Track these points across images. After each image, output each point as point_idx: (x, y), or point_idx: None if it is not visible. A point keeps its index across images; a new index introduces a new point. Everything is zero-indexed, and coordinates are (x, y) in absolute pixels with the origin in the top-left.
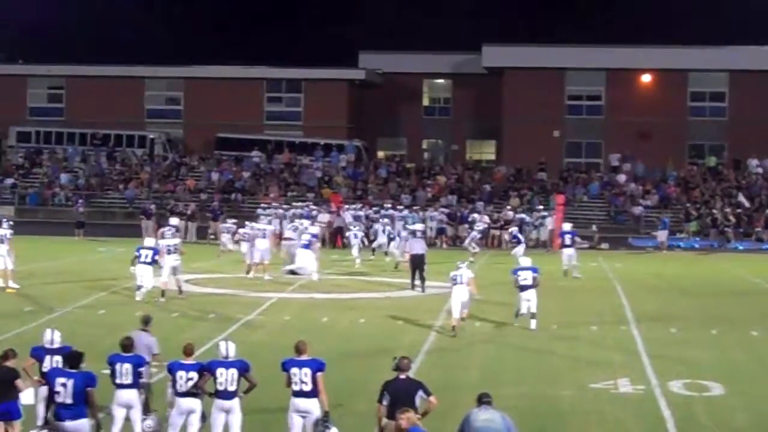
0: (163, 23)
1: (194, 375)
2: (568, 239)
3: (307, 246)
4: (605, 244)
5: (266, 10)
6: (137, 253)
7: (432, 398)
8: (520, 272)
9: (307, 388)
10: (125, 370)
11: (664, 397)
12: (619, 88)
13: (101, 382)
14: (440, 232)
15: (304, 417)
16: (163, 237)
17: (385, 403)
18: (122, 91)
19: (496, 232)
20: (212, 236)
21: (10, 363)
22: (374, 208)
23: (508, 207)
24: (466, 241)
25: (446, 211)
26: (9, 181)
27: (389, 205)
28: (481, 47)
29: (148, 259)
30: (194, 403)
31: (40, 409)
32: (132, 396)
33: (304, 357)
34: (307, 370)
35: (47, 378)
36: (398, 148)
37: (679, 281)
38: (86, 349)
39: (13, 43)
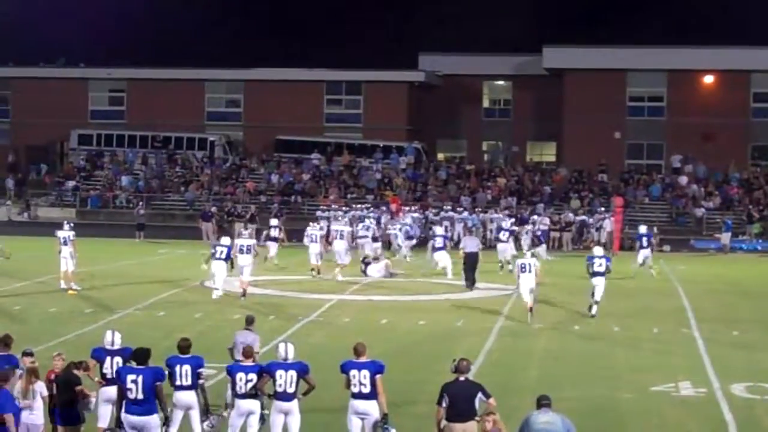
0: (222, 26)
1: (254, 376)
2: (645, 241)
3: (442, 248)
4: (667, 247)
5: (325, 12)
6: (213, 251)
7: (491, 400)
8: (595, 259)
9: (366, 390)
10: (185, 372)
11: (726, 400)
12: (681, 89)
13: None
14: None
15: (363, 419)
16: (240, 236)
17: (444, 405)
18: (182, 94)
19: (557, 234)
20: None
21: (79, 372)
22: (434, 210)
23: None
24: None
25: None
26: (71, 183)
27: (449, 207)
28: (542, 48)
29: (223, 256)
30: (254, 405)
31: (102, 410)
32: (191, 398)
33: (363, 359)
34: (366, 372)
35: (117, 377)
36: (458, 149)
37: (741, 283)
38: None
39: (75, 47)
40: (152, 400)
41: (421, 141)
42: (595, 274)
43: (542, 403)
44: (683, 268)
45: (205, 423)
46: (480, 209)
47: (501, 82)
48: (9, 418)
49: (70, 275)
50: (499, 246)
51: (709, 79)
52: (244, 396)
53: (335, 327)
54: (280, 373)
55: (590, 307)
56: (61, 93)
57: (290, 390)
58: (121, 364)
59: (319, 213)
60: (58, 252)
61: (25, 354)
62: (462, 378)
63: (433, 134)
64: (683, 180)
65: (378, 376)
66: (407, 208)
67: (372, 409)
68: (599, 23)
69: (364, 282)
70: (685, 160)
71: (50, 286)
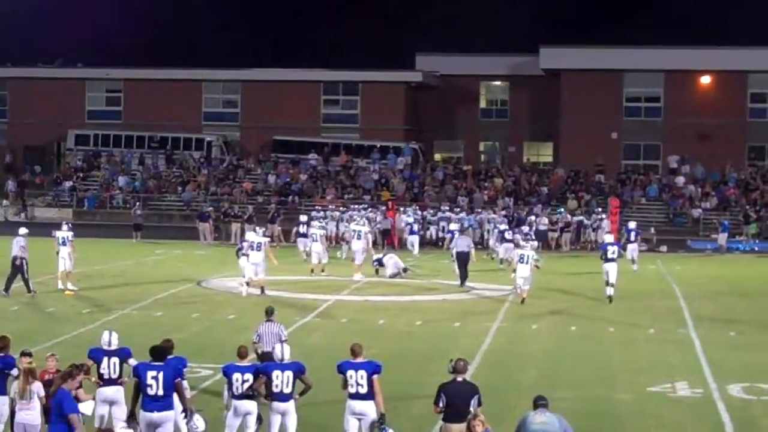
0: (219, 27)
1: (250, 377)
2: (632, 235)
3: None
4: (664, 247)
5: (322, 13)
6: (240, 245)
7: (479, 410)
8: (608, 247)
9: (363, 390)
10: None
11: (723, 400)
12: (678, 89)
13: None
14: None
15: (360, 419)
16: (254, 232)
17: (441, 405)
18: (179, 94)
19: (555, 235)
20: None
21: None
22: (430, 210)
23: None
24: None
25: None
26: (67, 183)
27: (446, 208)
28: (539, 49)
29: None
30: (250, 405)
31: (98, 411)
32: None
33: (360, 359)
34: (363, 373)
35: (136, 374)
36: (455, 150)
37: (738, 284)
38: (143, 350)
39: (72, 47)
40: (171, 396)
41: (419, 141)
42: (608, 260)
43: (539, 403)
44: (680, 269)
45: (190, 423)
46: (477, 210)
47: (498, 83)
48: (74, 417)
49: (67, 275)
50: (505, 245)
51: (706, 80)
52: (241, 397)
53: (332, 327)
54: (276, 374)
55: (610, 298)
56: (58, 93)
57: (287, 390)
58: (118, 365)
59: (314, 213)
60: (56, 252)
61: (24, 354)
62: (459, 378)
63: (431, 135)
64: (680, 180)
65: (375, 377)
66: (402, 209)
67: (369, 409)
68: (596, 24)
69: (364, 282)
70: (682, 160)
71: (47, 287)
